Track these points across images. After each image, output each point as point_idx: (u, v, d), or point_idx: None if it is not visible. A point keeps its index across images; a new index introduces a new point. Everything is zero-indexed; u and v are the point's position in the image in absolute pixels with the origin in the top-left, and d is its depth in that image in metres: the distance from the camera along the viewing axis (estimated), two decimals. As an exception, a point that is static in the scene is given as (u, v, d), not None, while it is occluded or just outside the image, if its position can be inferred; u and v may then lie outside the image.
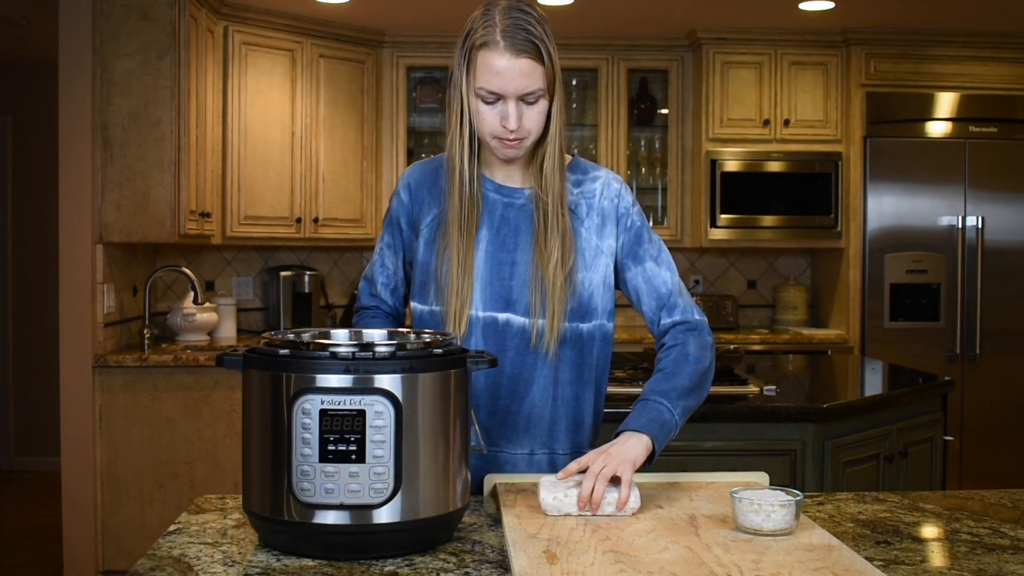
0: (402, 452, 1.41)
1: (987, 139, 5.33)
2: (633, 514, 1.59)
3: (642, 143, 5.67)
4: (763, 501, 1.48)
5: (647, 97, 5.65)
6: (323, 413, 1.39)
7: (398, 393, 1.41)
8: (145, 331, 4.48)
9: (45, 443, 6.21)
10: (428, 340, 1.50)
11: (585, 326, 1.90)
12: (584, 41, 5.37)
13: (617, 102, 5.46)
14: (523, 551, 1.39)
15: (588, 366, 1.92)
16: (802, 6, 4.89)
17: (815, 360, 4.52)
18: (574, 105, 5.62)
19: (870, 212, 5.29)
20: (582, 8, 4.89)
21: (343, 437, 1.39)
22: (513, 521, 1.54)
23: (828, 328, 5.55)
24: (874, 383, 3.83)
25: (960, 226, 5.29)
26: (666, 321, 1.92)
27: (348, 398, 1.39)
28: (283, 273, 5.32)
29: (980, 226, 5.29)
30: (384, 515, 1.41)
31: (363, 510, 1.40)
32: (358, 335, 1.66)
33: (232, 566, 1.40)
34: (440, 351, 1.48)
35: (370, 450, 1.40)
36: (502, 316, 1.87)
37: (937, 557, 1.49)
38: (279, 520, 1.43)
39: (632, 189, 5.54)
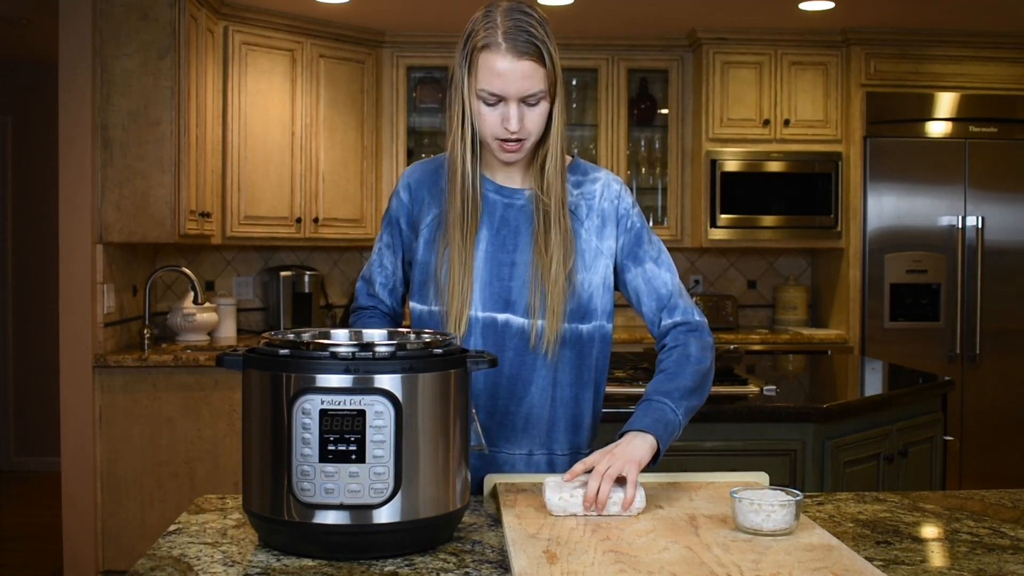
0: (402, 452, 1.41)
1: (987, 139, 5.33)
2: (637, 514, 1.60)
3: (642, 143, 5.67)
4: (763, 501, 1.48)
5: (647, 97, 5.65)
6: (323, 413, 1.39)
7: (398, 393, 1.41)
8: (145, 331, 4.49)
9: (45, 443, 6.21)
10: (428, 340, 1.50)
11: (584, 327, 1.90)
12: (584, 41, 5.37)
13: (617, 102, 5.46)
14: (523, 551, 1.39)
15: (587, 367, 1.92)
16: (802, 6, 4.89)
17: (815, 360, 4.52)
18: (574, 105, 5.62)
19: (870, 212, 5.29)
20: (582, 8, 4.89)
21: (343, 437, 1.39)
22: (513, 521, 1.54)
23: (828, 328, 5.55)
24: (874, 383, 3.83)
25: (960, 226, 5.29)
26: (666, 322, 1.92)
27: (348, 398, 1.39)
28: (283, 273, 5.32)
29: (980, 226, 5.29)
30: (384, 515, 1.41)
31: (363, 510, 1.40)
32: (358, 335, 1.66)
33: (232, 566, 1.40)
34: (440, 351, 1.48)
35: (370, 450, 1.40)
36: (501, 316, 1.87)
37: (937, 557, 1.49)
38: (279, 520, 1.43)
39: (632, 189, 5.59)
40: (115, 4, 4.17)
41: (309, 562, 1.42)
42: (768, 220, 5.38)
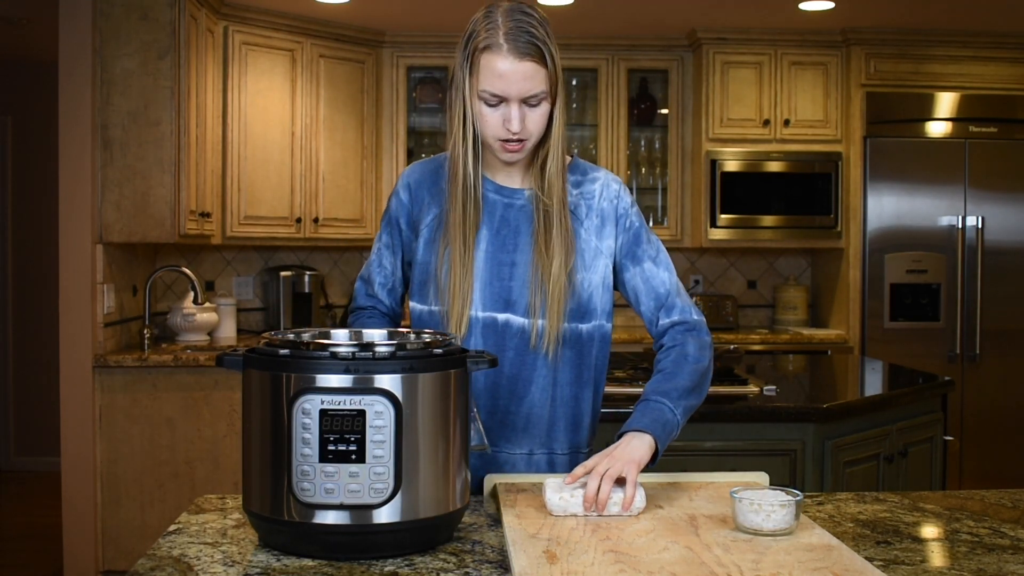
0: (402, 452, 1.41)
1: (987, 139, 5.33)
2: (638, 514, 1.60)
3: (642, 143, 5.67)
4: (763, 501, 1.48)
5: (647, 97, 5.65)
6: (323, 413, 1.39)
7: (398, 393, 1.41)
8: (145, 331, 4.49)
9: (45, 443, 6.21)
10: (428, 340, 1.50)
11: (584, 326, 1.90)
12: (584, 41, 5.37)
13: (617, 102, 5.46)
14: (523, 551, 1.39)
15: (587, 366, 1.93)
16: (802, 6, 4.89)
17: (815, 360, 4.52)
18: (574, 105, 5.62)
19: (870, 212, 5.29)
20: (582, 8, 4.89)
21: (343, 437, 1.39)
22: (513, 521, 1.54)
23: (828, 328, 5.55)
24: (874, 383, 3.83)
25: (960, 226, 5.29)
26: (664, 321, 1.92)
27: (348, 398, 1.39)
28: (283, 273, 5.32)
29: (980, 226, 5.29)
30: (384, 515, 1.41)
31: (363, 510, 1.40)
32: (358, 335, 1.66)
33: (232, 566, 1.40)
34: (440, 351, 1.48)
35: (370, 450, 1.40)
36: (502, 316, 1.88)
37: (937, 557, 1.49)
38: (279, 520, 1.43)
39: (632, 189, 5.59)
40: (115, 4, 4.17)
41: (309, 562, 1.42)
42: (768, 220, 5.38)
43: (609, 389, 2.98)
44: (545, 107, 1.80)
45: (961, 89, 5.34)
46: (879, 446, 3.22)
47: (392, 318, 2.05)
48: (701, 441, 2.95)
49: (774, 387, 3.26)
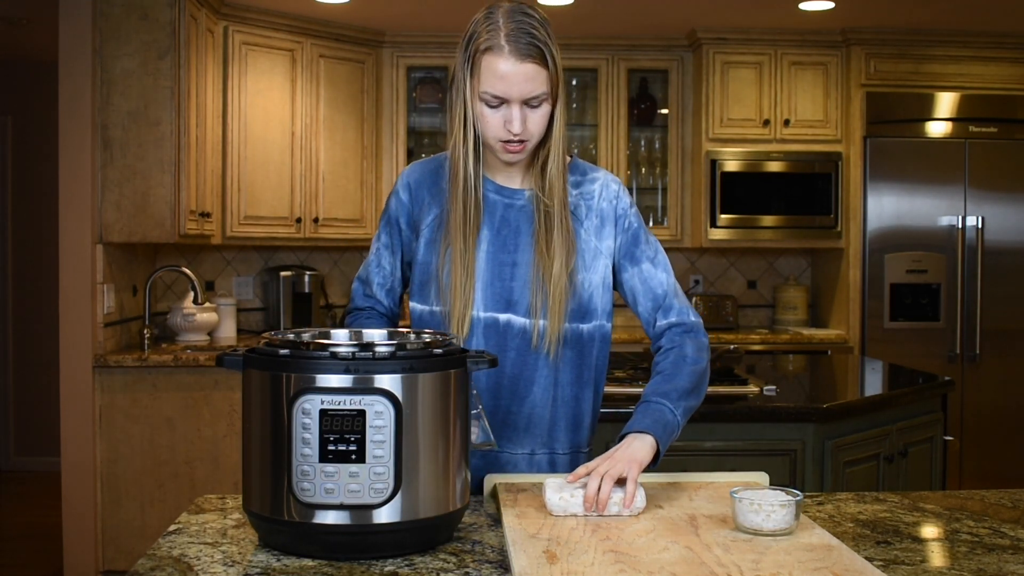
0: (402, 452, 1.41)
1: (987, 139, 5.33)
2: (638, 514, 1.60)
3: (642, 143, 5.67)
4: (763, 501, 1.48)
5: (647, 97, 5.65)
6: (323, 413, 1.39)
7: (398, 393, 1.41)
8: (145, 331, 4.49)
9: (45, 443, 6.21)
10: (428, 340, 1.50)
11: (585, 327, 1.91)
12: (584, 41, 5.37)
13: (617, 102, 5.46)
14: (523, 551, 1.39)
15: (588, 366, 1.93)
16: (802, 6, 4.89)
17: (815, 360, 4.52)
18: (574, 105, 5.62)
19: (870, 212, 5.29)
20: (582, 8, 4.89)
21: (343, 437, 1.39)
22: (513, 521, 1.54)
23: (828, 328, 5.55)
24: (874, 383, 3.83)
25: (960, 226, 5.29)
26: (662, 323, 1.93)
27: (348, 398, 1.39)
28: (283, 273, 5.32)
29: (980, 226, 5.29)
30: (384, 515, 1.41)
31: (363, 510, 1.40)
32: (358, 335, 1.66)
33: (232, 566, 1.40)
34: (440, 351, 1.48)
35: (370, 450, 1.40)
36: (503, 317, 1.88)
37: (937, 557, 1.49)
38: (279, 520, 1.43)
39: (632, 189, 5.59)
40: (115, 4, 4.17)
41: (309, 562, 1.42)
42: (768, 220, 5.38)
43: (609, 389, 2.98)
44: (546, 108, 1.80)
45: (961, 89, 5.34)
46: (879, 446, 3.22)
47: (390, 319, 2.04)
48: (701, 441, 2.95)
49: (774, 387, 3.26)
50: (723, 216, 5.33)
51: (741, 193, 5.33)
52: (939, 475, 3.62)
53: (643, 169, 5.66)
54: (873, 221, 5.29)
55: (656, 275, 1.93)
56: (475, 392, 1.74)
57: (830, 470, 3.01)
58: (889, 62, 5.32)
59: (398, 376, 1.41)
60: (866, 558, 1.42)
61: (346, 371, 1.40)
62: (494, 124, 1.80)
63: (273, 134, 4.95)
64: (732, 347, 3.44)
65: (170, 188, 4.21)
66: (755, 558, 1.37)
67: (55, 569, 4.44)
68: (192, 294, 4.66)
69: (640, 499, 1.61)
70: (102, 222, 4.20)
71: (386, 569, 1.39)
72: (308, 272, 5.39)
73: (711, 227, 5.35)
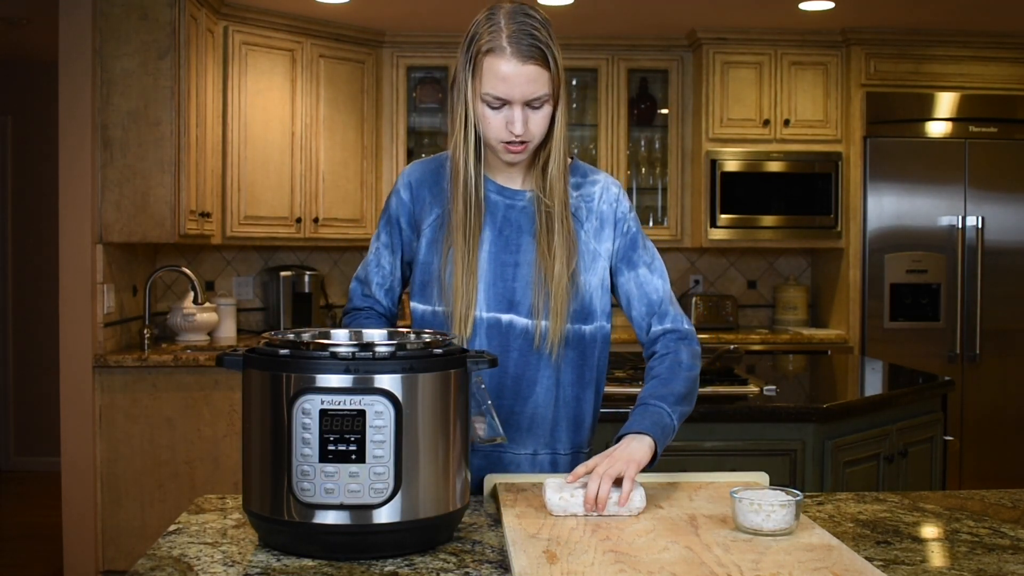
0: (402, 452, 1.41)
1: (987, 139, 5.33)
2: (638, 514, 1.60)
3: (642, 143, 5.67)
4: (763, 501, 1.48)
5: (647, 97, 5.65)
6: (323, 413, 1.39)
7: (398, 393, 1.41)
8: (145, 331, 4.49)
9: (45, 443, 6.21)
10: (428, 340, 1.50)
11: (587, 328, 1.91)
12: (584, 41, 5.37)
13: (617, 102, 5.46)
14: (523, 551, 1.39)
15: (589, 367, 1.94)
16: (802, 6, 4.89)
17: (815, 360, 4.52)
18: (574, 105, 5.62)
19: (870, 212, 5.29)
20: (582, 8, 4.89)
21: (343, 437, 1.39)
22: (513, 521, 1.54)
23: (828, 328, 5.55)
24: (874, 383, 3.83)
25: (960, 226, 5.29)
26: (656, 328, 1.94)
27: (348, 398, 1.39)
28: (283, 273, 5.32)
29: (980, 226, 5.29)
30: (384, 515, 1.41)
31: (363, 510, 1.40)
32: (358, 335, 1.66)
33: (232, 566, 1.40)
34: (440, 351, 1.48)
35: (370, 450, 1.40)
36: (505, 317, 1.88)
37: (937, 557, 1.49)
38: (279, 520, 1.43)
39: (632, 189, 5.59)
40: (115, 4, 4.17)
41: (309, 562, 1.42)
42: (768, 220, 5.38)
43: (609, 389, 2.98)
44: (547, 109, 1.81)
45: (961, 89, 5.34)
46: (879, 446, 3.22)
47: (389, 319, 2.04)
48: (701, 441, 2.95)
49: (774, 387, 3.26)
50: (723, 216, 5.33)
51: (741, 193, 5.33)
52: (939, 475, 3.62)
53: (643, 169, 5.66)
54: (873, 221, 5.29)
55: (652, 280, 1.94)
56: (483, 386, 1.74)
57: (830, 470, 3.00)
58: (889, 62, 5.32)
59: (398, 376, 1.41)
60: (866, 558, 1.42)
61: (346, 371, 1.40)
62: (496, 125, 1.80)
63: (273, 134, 4.95)
64: (732, 347, 3.44)
65: (170, 188, 4.21)
66: (755, 558, 1.37)
67: (55, 569, 4.44)
68: (192, 294, 4.66)
69: (640, 499, 1.61)
70: (102, 222, 4.20)
71: (386, 569, 1.39)
72: (308, 272, 5.39)
73: (711, 227, 5.35)
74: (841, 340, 5.28)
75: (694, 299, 5.58)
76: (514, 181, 1.92)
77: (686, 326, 1.95)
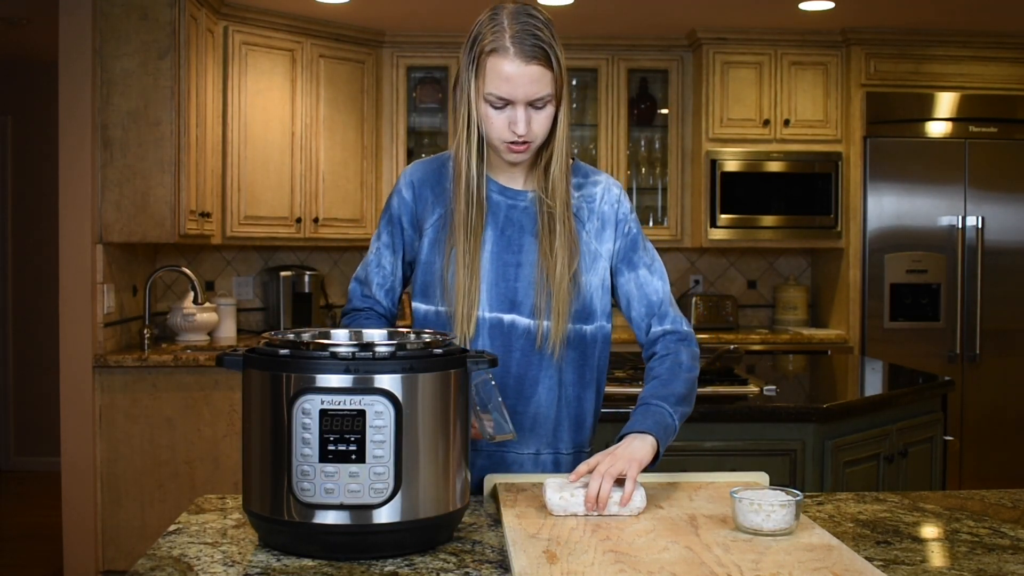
0: (402, 452, 1.41)
1: (987, 139, 5.33)
2: (638, 514, 1.60)
3: (642, 143, 5.67)
4: (763, 501, 1.48)
5: (647, 97, 5.65)
6: (323, 413, 1.39)
7: (398, 393, 1.41)
8: (145, 331, 4.49)
9: (45, 443, 6.21)
10: (428, 340, 1.50)
11: (588, 328, 1.92)
12: (584, 41, 5.37)
13: (617, 102, 5.46)
14: (523, 551, 1.39)
15: (590, 367, 1.94)
16: (802, 6, 4.89)
17: (815, 360, 4.52)
18: (574, 105, 5.62)
19: (870, 212, 5.29)
20: (582, 8, 4.89)
21: (343, 437, 1.39)
22: (513, 521, 1.54)
23: (828, 328, 5.55)
24: (874, 383, 3.83)
25: (960, 226, 5.29)
26: (656, 329, 1.95)
27: (348, 398, 1.39)
28: (283, 273, 5.32)
29: (980, 226, 5.29)
30: (384, 515, 1.41)
31: (363, 510, 1.40)
32: (358, 335, 1.66)
33: (232, 566, 1.40)
34: (440, 351, 1.48)
35: (370, 450, 1.40)
36: (507, 317, 1.88)
37: (937, 557, 1.49)
38: (279, 520, 1.43)
39: (632, 189, 5.59)
40: (115, 4, 4.17)
41: (309, 562, 1.42)
42: (768, 220, 5.38)
43: (609, 389, 2.98)
44: (550, 109, 1.81)
45: (961, 89, 5.34)
46: (879, 446, 3.22)
47: (389, 320, 2.03)
48: (701, 441, 2.95)
49: (774, 387, 3.26)
50: (723, 216, 5.33)
51: (741, 193, 5.33)
52: (939, 475, 3.62)
53: (643, 169, 5.66)
54: (873, 221, 5.29)
55: (652, 282, 1.95)
56: (493, 383, 1.74)
57: (830, 470, 3.00)
58: (889, 62, 5.32)
59: (398, 376, 1.41)
60: (866, 558, 1.42)
61: (346, 371, 1.40)
62: (498, 125, 1.80)
63: (273, 134, 4.95)
64: (732, 347, 3.44)
65: (170, 188, 4.21)
66: (755, 558, 1.37)
67: (55, 569, 4.45)
68: (192, 294, 4.66)
69: (640, 499, 1.61)
70: (102, 222, 4.20)
71: (386, 569, 1.39)
72: (308, 272, 5.39)
73: (711, 227, 5.35)
74: (841, 340, 5.28)
75: (694, 299, 5.58)
76: (516, 181, 1.92)
77: (685, 328, 1.96)
